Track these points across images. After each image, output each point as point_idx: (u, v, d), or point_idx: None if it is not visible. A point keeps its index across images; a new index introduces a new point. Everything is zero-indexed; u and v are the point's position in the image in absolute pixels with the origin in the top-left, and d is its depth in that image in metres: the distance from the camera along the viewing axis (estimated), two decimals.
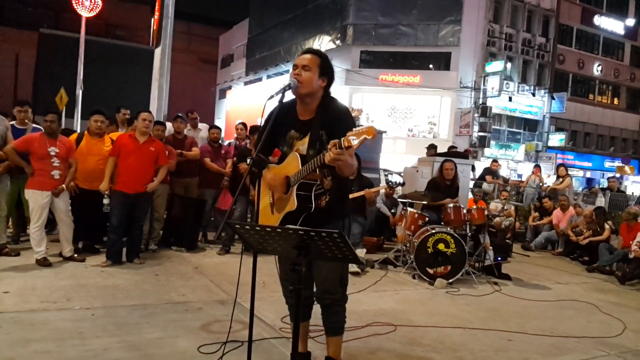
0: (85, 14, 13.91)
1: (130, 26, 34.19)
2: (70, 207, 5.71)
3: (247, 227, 2.48)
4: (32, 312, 3.95)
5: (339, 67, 25.10)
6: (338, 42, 26.40)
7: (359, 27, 25.84)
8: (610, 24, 31.23)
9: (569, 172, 12.34)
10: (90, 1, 13.76)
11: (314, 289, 3.05)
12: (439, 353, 3.78)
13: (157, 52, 8.60)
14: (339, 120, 2.81)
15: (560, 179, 11.69)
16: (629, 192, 21.66)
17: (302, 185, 2.78)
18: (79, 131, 8.15)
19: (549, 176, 12.58)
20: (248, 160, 6.93)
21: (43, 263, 5.38)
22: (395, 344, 3.88)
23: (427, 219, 6.89)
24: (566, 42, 29.99)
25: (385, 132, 11.99)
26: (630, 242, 7.82)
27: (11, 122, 6.26)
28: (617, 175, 25.98)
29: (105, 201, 5.79)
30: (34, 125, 6.47)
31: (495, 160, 14.40)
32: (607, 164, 31.81)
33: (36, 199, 5.41)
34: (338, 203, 2.93)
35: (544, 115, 28.87)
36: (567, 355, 3.98)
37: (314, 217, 2.82)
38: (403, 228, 7.01)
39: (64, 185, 5.57)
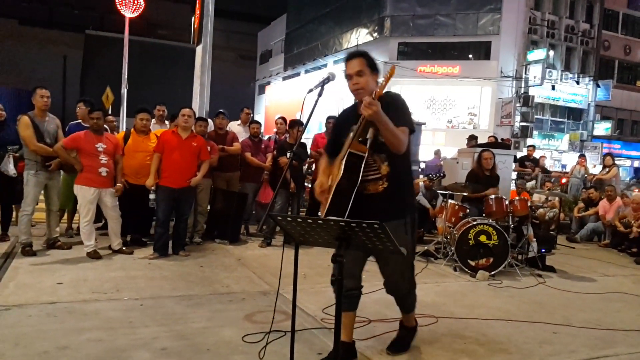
0: (128, 14, 14.23)
1: (172, 25, 34.92)
2: (117, 203, 5.91)
3: (289, 218, 2.53)
4: (85, 303, 4.12)
5: (376, 59, 24.89)
6: (375, 34, 26.22)
7: (396, 18, 25.60)
8: None
9: (616, 162, 11.95)
10: (133, 2, 14.09)
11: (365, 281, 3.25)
12: (482, 345, 3.76)
13: (198, 50, 8.76)
14: (390, 104, 2.90)
15: (607, 169, 11.34)
16: None
17: (352, 158, 2.88)
18: (124, 129, 8.41)
19: (594, 166, 12.20)
20: (288, 154, 7.04)
21: (93, 255, 5.60)
22: (437, 336, 3.88)
23: (467, 210, 6.82)
24: (612, 27, 28.91)
25: (424, 123, 11.84)
26: None
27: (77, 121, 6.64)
28: None
29: (152, 196, 5.97)
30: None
31: (531, 146, 14.02)
32: None
33: (84, 195, 5.62)
34: (398, 197, 3.04)
35: (589, 104, 27.96)
36: (615, 348, 3.88)
37: (373, 202, 2.97)
38: (443, 220, 6.96)
39: (113, 189, 5.81)
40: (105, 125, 6.27)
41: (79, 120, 6.65)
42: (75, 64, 33.41)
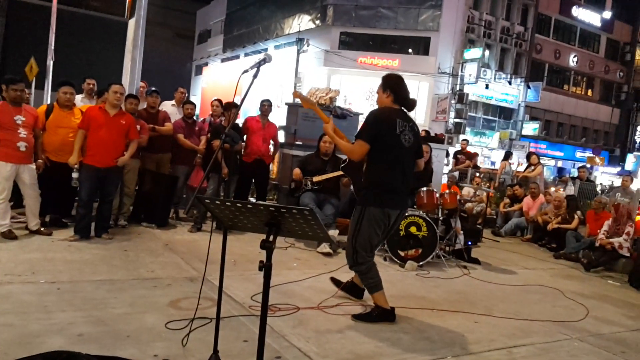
0: None
1: None
2: (36, 181, 5.56)
3: (217, 202, 2.44)
4: None
5: (317, 47, 24.91)
6: (318, 22, 26.15)
7: (339, 7, 25.64)
8: (587, 16, 31.65)
9: (541, 161, 12.52)
10: None
11: None
12: (407, 333, 3.81)
13: (131, 23, 8.37)
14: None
15: (532, 167, 11.83)
16: (597, 182, 22.11)
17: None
18: (49, 103, 7.93)
19: (520, 164, 12.76)
20: (222, 137, 6.85)
21: (8, 236, 5.25)
22: (364, 324, 3.90)
23: None
24: (544, 31, 30.31)
25: (361, 114, 11.91)
26: (597, 230, 7.99)
27: None
28: (588, 165, 26.48)
29: (75, 175, 5.66)
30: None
31: (465, 140, 14.56)
32: (579, 154, 32.43)
33: (0, 171, 5.25)
34: (363, 188, 4.00)
35: (519, 104, 29.23)
36: (531, 337, 4.05)
37: None
38: None
39: (33, 165, 5.45)
40: None
41: None
42: None
